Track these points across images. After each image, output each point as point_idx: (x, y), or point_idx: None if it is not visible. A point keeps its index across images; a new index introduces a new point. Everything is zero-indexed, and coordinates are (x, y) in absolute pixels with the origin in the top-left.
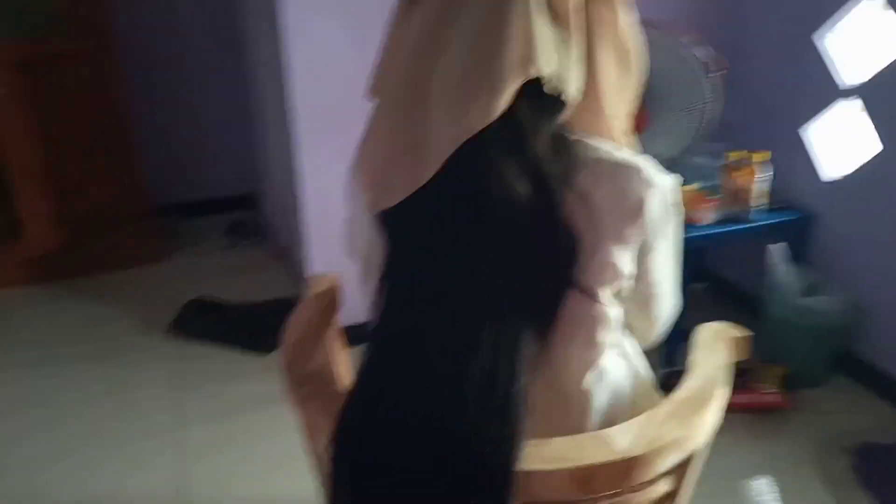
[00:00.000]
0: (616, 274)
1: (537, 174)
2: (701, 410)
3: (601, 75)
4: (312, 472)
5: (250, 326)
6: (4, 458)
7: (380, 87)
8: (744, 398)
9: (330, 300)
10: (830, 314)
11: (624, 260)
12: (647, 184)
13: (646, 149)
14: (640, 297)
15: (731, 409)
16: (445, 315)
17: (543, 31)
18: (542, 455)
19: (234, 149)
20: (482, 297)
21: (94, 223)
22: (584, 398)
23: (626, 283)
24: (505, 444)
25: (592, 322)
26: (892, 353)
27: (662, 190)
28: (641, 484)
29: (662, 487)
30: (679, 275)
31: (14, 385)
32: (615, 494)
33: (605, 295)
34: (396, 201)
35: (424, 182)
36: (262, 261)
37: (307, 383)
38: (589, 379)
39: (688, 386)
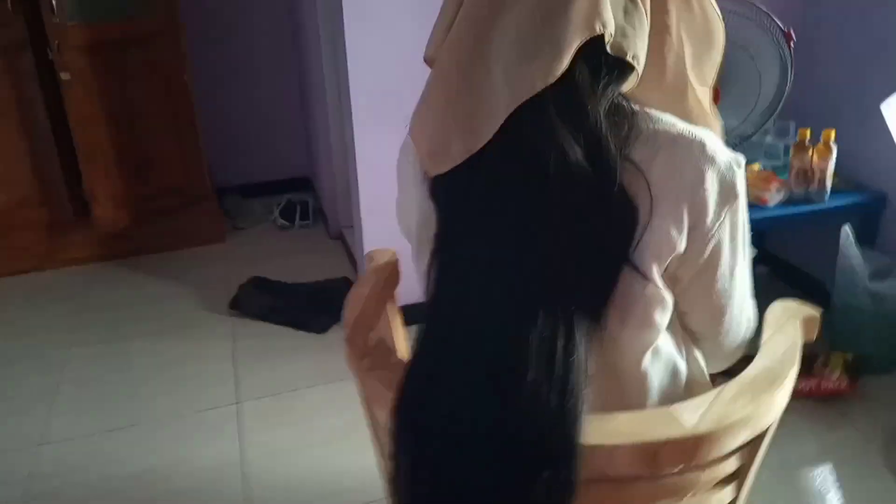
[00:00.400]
0: (670, 251)
1: (595, 142)
2: (771, 389)
3: (676, 46)
4: (373, 443)
5: (306, 306)
6: (73, 425)
7: (437, 51)
8: (808, 384)
9: (389, 274)
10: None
11: (679, 239)
12: (709, 159)
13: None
14: (705, 298)
15: (795, 396)
16: (501, 285)
17: None
18: (605, 430)
19: (292, 132)
20: (538, 267)
21: (160, 203)
22: (640, 378)
23: (684, 270)
24: (567, 415)
25: (647, 302)
26: None
27: (726, 167)
28: (708, 462)
29: (729, 467)
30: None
31: (84, 357)
32: (681, 472)
33: (658, 275)
34: (451, 166)
35: (480, 146)
36: (318, 242)
37: (369, 354)
38: (646, 360)
39: (757, 364)
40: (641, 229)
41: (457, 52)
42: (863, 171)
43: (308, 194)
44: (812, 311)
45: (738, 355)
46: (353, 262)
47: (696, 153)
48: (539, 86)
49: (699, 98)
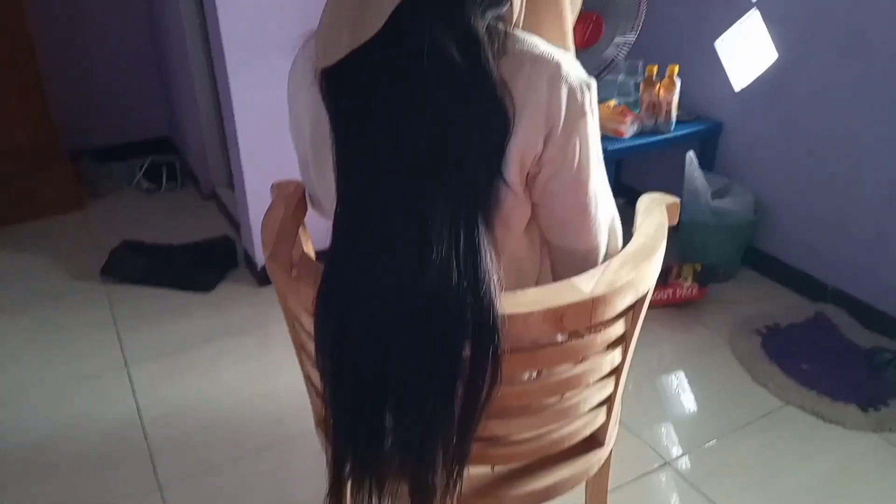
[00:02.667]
0: (530, 156)
1: (473, 47)
2: (648, 259)
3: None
4: (298, 356)
5: (187, 266)
6: None
7: None
8: (665, 293)
9: (299, 201)
10: (738, 214)
11: (537, 144)
12: (563, 77)
13: (592, 58)
14: (582, 201)
15: (653, 304)
16: (399, 175)
17: None
18: (519, 301)
19: (148, 91)
20: (428, 162)
21: (7, 170)
22: (531, 264)
23: (542, 177)
24: (485, 287)
25: (508, 206)
26: (790, 246)
27: (577, 85)
28: (602, 323)
29: (618, 329)
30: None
31: None
32: (580, 334)
33: (519, 182)
34: (341, 55)
35: (366, 38)
36: (189, 203)
37: (295, 266)
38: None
39: (635, 241)
40: (507, 137)
41: None
42: (702, 103)
43: (171, 155)
44: (673, 198)
45: (601, 245)
46: (231, 219)
47: (552, 71)
48: None
49: (566, 29)
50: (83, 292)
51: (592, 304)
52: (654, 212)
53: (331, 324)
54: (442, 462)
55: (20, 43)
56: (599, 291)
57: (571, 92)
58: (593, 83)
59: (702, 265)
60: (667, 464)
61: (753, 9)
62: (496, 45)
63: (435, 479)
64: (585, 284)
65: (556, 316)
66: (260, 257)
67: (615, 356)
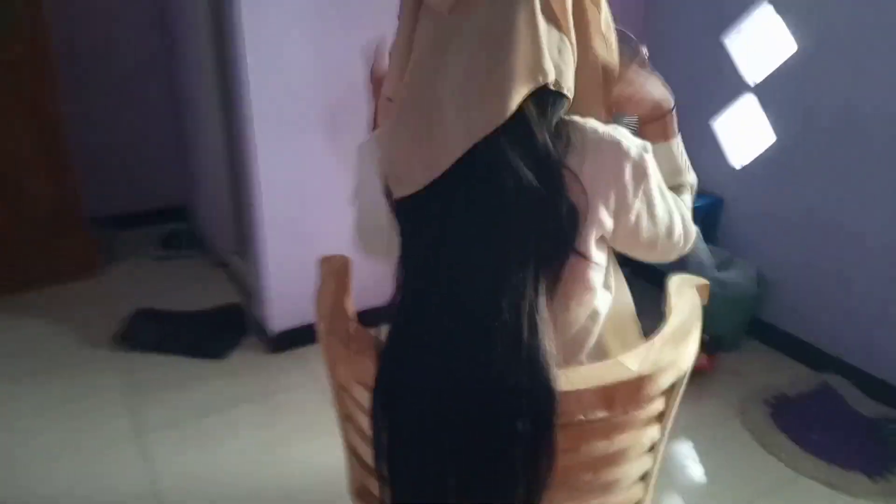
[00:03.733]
0: (601, 231)
1: (543, 162)
2: (686, 340)
3: (598, 64)
4: (345, 430)
5: (200, 334)
6: None
7: (395, 92)
8: None
9: (345, 275)
10: (742, 286)
11: (609, 220)
12: (625, 154)
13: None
14: (641, 243)
15: None
16: (466, 287)
17: (546, 35)
18: (572, 379)
19: (167, 161)
20: (499, 268)
21: (28, 237)
22: (584, 333)
23: (616, 234)
24: (542, 366)
25: (587, 275)
26: (793, 317)
27: (637, 155)
28: (646, 400)
29: (659, 405)
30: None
31: None
32: (627, 410)
33: (594, 250)
34: (415, 189)
35: (442, 172)
36: (199, 272)
37: (353, 341)
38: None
39: (672, 322)
40: (582, 223)
41: (414, 91)
42: (703, 180)
43: (186, 223)
44: (702, 280)
45: (680, 254)
46: (241, 288)
47: (615, 152)
48: (490, 127)
49: (605, 100)
50: (97, 360)
51: (639, 383)
52: (686, 293)
53: (391, 402)
54: None
55: (49, 117)
56: (646, 370)
57: (635, 165)
58: (649, 145)
59: (709, 335)
60: None
61: (749, 92)
62: (563, 144)
63: None
64: (633, 363)
65: (608, 393)
66: (273, 325)
67: (654, 432)
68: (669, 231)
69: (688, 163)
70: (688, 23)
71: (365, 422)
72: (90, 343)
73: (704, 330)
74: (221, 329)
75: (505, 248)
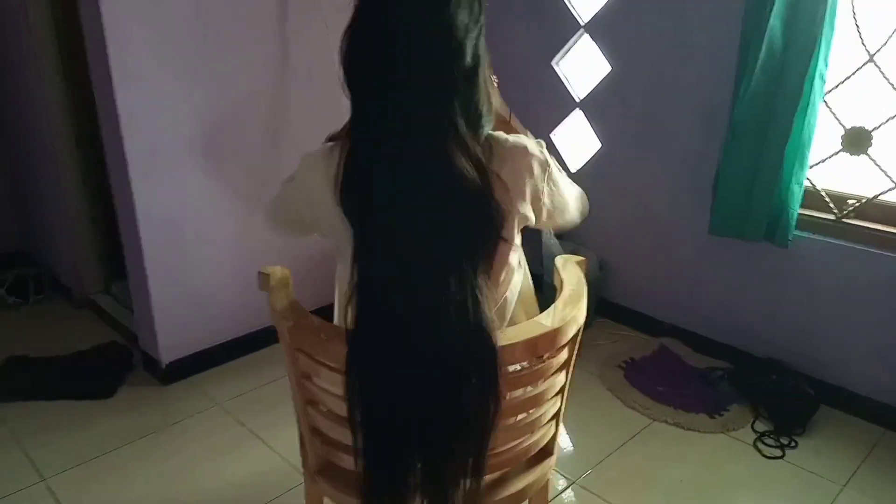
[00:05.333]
0: (525, 220)
1: (478, 165)
2: (580, 301)
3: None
4: (310, 411)
5: (80, 376)
6: None
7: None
8: None
9: (289, 285)
10: (589, 272)
11: (528, 210)
12: (530, 154)
13: None
14: (558, 212)
15: None
16: (419, 270)
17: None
18: (504, 337)
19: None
20: (447, 252)
21: None
22: (505, 306)
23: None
24: (487, 331)
25: (509, 258)
26: (631, 294)
27: (539, 153)
28: (556, 350)
29: (565, 355)
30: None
31: None
32: (544, 359)
33: (517, 237)
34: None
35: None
36: (60, 313)
37: (323, 330)
38: (508, 292)
39: (566, 290)
40: (508, 215)
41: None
42: None
43: (31, 267)
44: (581, 257)
45: (584, 214)
46: (115, 325)
47: (523, 154)
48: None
49: (514, 121)
50: None
51: (553, 334)
52: (570, 267)
53: (364, 375)
54: (462, 479)
55: None
56: (557, 324)
57: (538, 160)
58: (542, 141)
59: None
60: (574, 483)
61: (577, 108)
62: (488, 153)
63: (455, 497)
64: (546, 320)
65: (532, 345)
66: (164, 356)
67: (562, 377)
68: (576, 196)
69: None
70: (524, 52)
71: (331, 402)
72: None
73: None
74: (104, 368)
75: (451, 235)
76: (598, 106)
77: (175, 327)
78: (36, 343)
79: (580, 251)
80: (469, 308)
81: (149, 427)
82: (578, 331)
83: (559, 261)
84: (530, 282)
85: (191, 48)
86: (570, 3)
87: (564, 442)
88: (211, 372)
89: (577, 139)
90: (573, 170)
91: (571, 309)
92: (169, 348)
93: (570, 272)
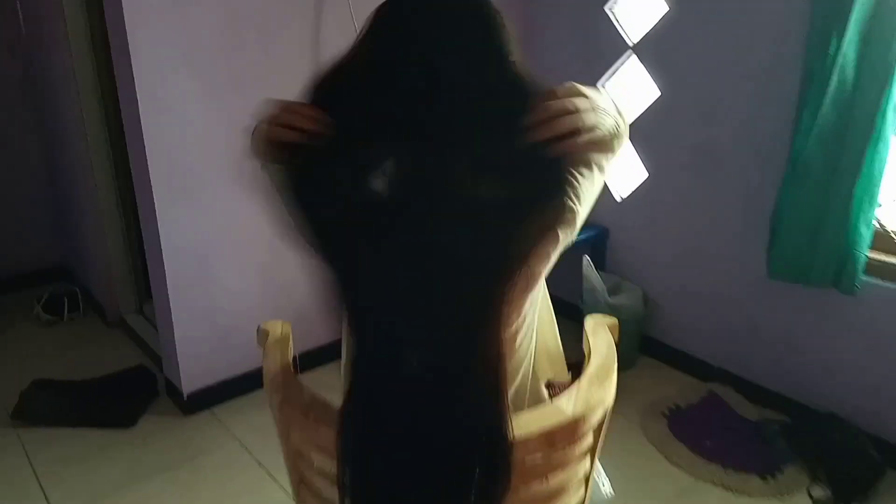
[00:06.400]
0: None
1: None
2: (609, 378)
3: None
4: (303, 492)
5: (105, 401)
6: None
7: None
8: None
9: (286, 343)
10: (631, 308)
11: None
12: None
13: None
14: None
15: None
16: (440, 323)
17: None
18: (518, 426)
19: (40, 219)
20: (462, 297)
21: None
22: (523, 353)
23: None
24: (502, 418)
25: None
26: (678, 333)
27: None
28: (580, 437)
29: (589, 440)
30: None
31: None
32: (564, 448)
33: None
34: None
35: None
36: (94, 333)
37: (312, 408)
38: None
39: (594, 362)
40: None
41: None
42: (591, 211)
43: (68, 283)
44: (612, 319)
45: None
46: (144, 347)
47: None
48: None
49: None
50: None
51: (575, 424)
52: (601, 333)
53: (356, 465)
54: None
55: None
56: (579, 411)
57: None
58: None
59: None
60: None
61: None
62: None
63: None
64: (567, 406)
65: (549, 437)
66: (186, 385)
67: (586, 464)
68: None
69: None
70: (564, 71)
71: (321, 484)
72: None
73: None
74: (128, 394)
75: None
76: (645, 133)
77: (198, 356)
78: (65, 362)
79: (623, 285)
80: (491, 382)
81: (165, 463)
82: (605, 414)
83: (589, 323)
84: (552, 316)
85: (220, 76)
86: (617, 22)
87: (599, 498)
88: (232, 403)
89: (623, 167)
90: (619, 198)
91: (598, 389)
92: (191, 377)
93: (601, 339)
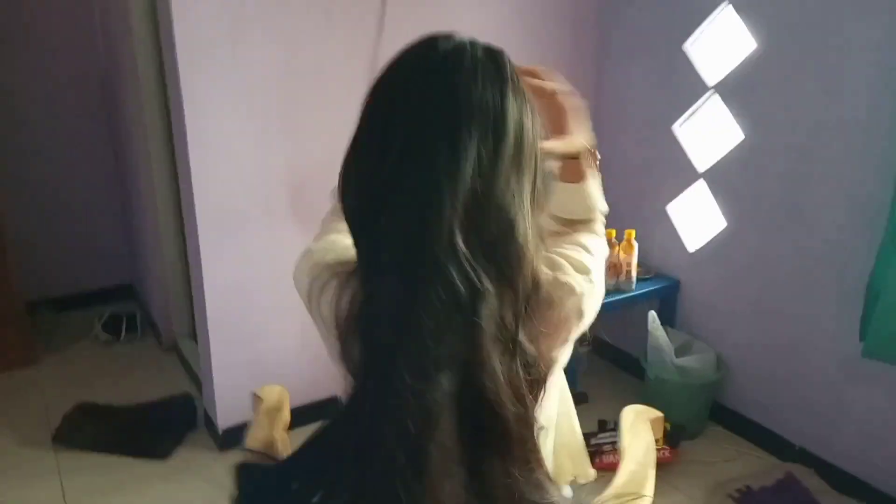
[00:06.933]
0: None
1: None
2: (641, 487)
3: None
4: None
5: (143, 431)
6: None
7: None
8: None
9: (279, 411)
10: (701, 371)
11: (567, 349)
12: (578, 295)
13: None
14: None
15: None
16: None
17: None
18: None
19: (111, 238)
20: None
21: None
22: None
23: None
24: None
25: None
26: (754, 403)
27: (588, 291)
28: None
29: None
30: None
31: None
32: None
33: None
34: None
35: None
36: (149, 356)
37: None
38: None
39: (625, 469)
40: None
41: None
42: (659, 263)
43: (132, 303)
44: (656, 412)
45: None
46: (192, 375)
47: (569, 295)
48: None
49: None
50: (33, 462)
51: None
52: (641, 431)
53: None
54: None
55: None
56: None
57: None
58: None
59: (671, 424)
60: None
61: (699, 179)
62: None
63: None
64: None
65: None
66: (222, 420)
67: None
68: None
69: (600, 196)
70: (639, 110)
71: None
72: (27, 442)
73: (665, 419)
74: (168, 423)
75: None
76: (724, 179)
77: (235, 392)
78: (116, 383)
79: (694, 345)
80: None
81: (194, 501)
82: None
83: (628, 416)
84: (570, 407)
85: (273, 118)
86: (696, 59)
87: None
88: None
89: (698, 215)
90: (691, 249)
91: None
92: (227, 413)
93: (639, 437)
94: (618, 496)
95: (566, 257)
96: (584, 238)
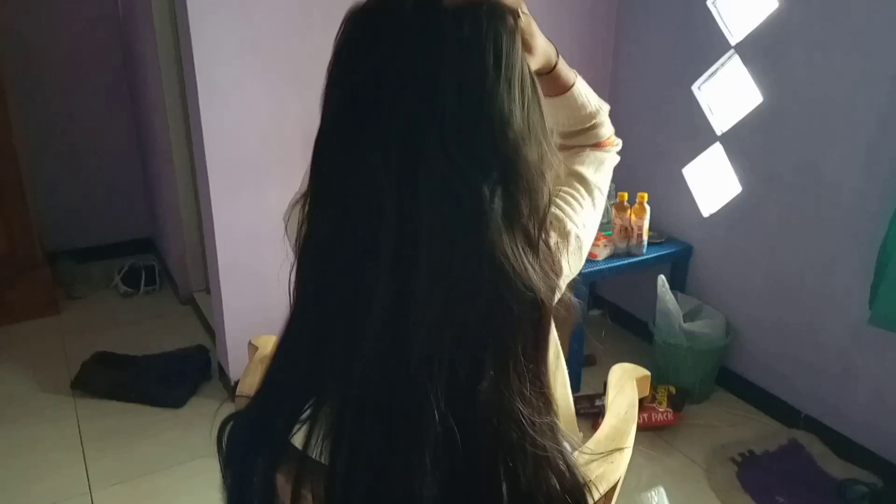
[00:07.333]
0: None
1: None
2: (619, 443)
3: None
4: None
5: (158, 380)
6: None
7: None
8: (640, 417)
9: None
10: (710, 336)
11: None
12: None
13: None
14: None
15: None
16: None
17: None
18: None
19: (131, 192)
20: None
21: None
22: None
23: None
24: None
25: None
26: (762, 370)
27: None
28: None
29: None
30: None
31: None
32: None
33: None
34: None
35: None
36: (167, 308)
37: None
38: None
39: (606, 424)
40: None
41: None
42: (672, 227)
43: (151, 256)
44: (644, 371)
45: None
46: (207, 327)
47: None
48: None
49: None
50: (52, 406)
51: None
52: (626, 388)
53: None
54: None
55: (4, 151)
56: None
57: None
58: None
59: (676, 388)
60: None
61: (716, 143)
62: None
63: None
64: None
65: None
66: (233, 372)
67: None
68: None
69: (595, 97)
70: (657, 70)
71: None
72: (47, 387)
73: (671, 380)
74: (182, 374)
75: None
76: (742, 142)
77: (244, 343)
78: (134, 334)
79: (703, 309)
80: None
81: (205, 448)
82: (611, 490)
83: (615, 373)
84: (561, 361)
85: (283, 60)
86: (720, 17)
87: None
88: None
89: (714, 178)
90: (706, 213)
91: (600, 464)
92: (238, 364)
93: (623, 393)
94: (592, 457)
95: (566, 203)
96: (588, 171)
